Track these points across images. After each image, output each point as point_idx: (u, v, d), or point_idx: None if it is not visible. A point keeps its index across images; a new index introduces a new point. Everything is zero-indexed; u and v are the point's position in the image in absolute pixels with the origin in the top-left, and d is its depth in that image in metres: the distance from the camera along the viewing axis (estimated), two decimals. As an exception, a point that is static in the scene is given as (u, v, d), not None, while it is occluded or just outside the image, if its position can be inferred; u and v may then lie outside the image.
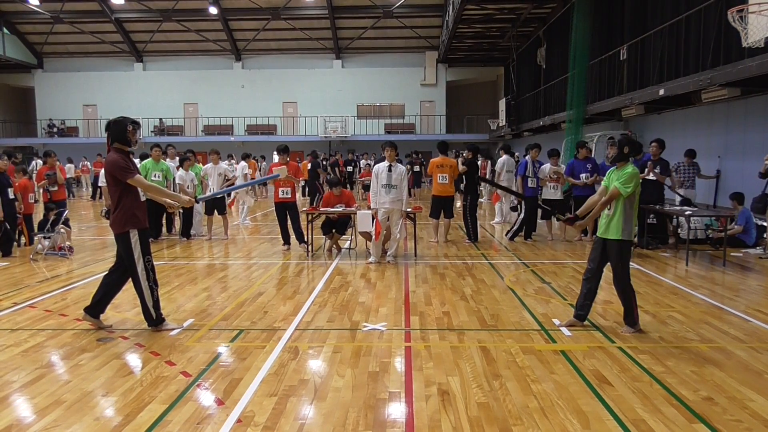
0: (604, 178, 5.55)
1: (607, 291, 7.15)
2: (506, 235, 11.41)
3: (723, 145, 12.04)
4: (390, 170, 8.68)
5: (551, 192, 11.02)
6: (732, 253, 9.22)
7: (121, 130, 5.33)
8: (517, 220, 11.30)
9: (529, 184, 10.97)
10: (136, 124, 5.48)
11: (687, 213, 8.93)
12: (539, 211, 11.29)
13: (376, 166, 8.96)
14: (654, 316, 5.89)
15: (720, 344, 5.01)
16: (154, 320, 5.45)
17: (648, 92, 13.08)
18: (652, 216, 10.16)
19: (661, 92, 12.27)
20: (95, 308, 5.50)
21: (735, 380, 4.21)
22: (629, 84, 14.79)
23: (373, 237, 8.79)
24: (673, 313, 6.01)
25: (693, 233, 9.58)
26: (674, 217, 9.93)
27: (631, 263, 8.55)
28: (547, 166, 11.03)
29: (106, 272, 5.64)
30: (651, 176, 9.76)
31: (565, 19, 20.02)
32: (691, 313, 6.03)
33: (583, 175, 10.82)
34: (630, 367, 4.47)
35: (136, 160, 11.48)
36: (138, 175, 5.34)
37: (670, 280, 7.64)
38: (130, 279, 5.44)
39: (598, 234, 5.49)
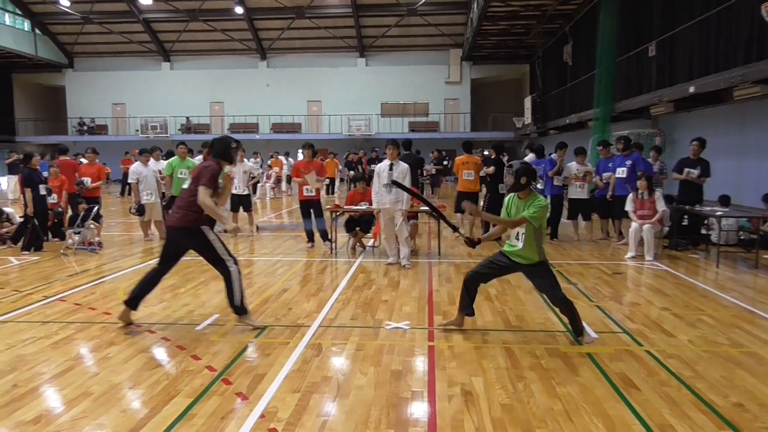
0: (504, 209, 5.26)
1: (634, 293, 7.06)
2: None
3: (755, 144, 11.76)
4: (391, 169, 8.54)
5: (577, 191, 10.86)
6: (765, 255, 8.99)
7: (224, 148, 5.51)
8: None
9: (555, 183, 10.85)
10: (238, 143, 5.66)
11: (718, 214, 8.75)
12: (564, 212, 11.17)
13: (378, 165, 8.83)
14: (683, 319, 5.78)
15: (751, 349, 4.89)
16: (240, 308, 5.48)
17: (677, 89, 12.84)
18: (685, 217, 9.97)
19: (691, 90, 12.04)
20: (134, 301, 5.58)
21: (767, 386, 4.11)
22: (658, 81, 14.53)
23: (381, 237, 8.71)
24: (702, 317, 5.88)
25: (725, 235, 9.36)
26: (706, 218, 9.74)
27: (659, 264, 8.50)
28: (573, 165, 10.89)
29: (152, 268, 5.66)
30: (686, 177, 9.61)
31: (591, 15, 19.76)
32: (722, 316, 5.90)
33: (605, 174, 10.67)
34: (658, 371, 4.39)
35: (162, 161, 11.73)
36: (209, 191, 5.27)
37: (700, 282, 7.49)
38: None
39: (511, 258, 5.17)
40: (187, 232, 5.37)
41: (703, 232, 10.02)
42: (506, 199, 5.27)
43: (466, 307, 5.36)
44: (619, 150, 10.59)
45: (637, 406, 3.78)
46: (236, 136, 33.66)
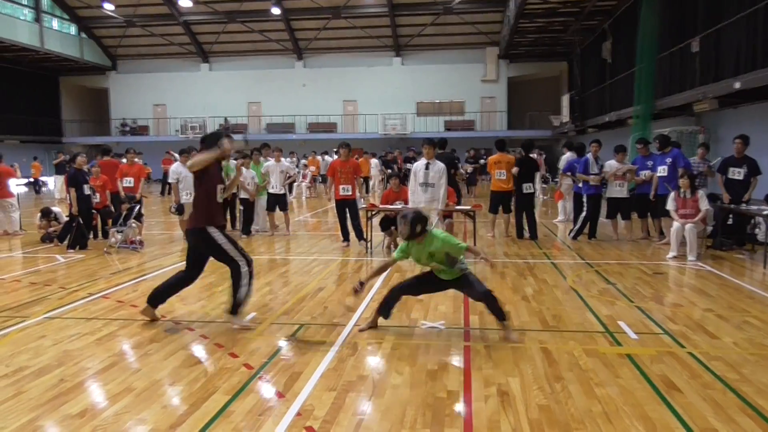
0: (398, 251, 5.28)
1: (676, 294, 6.89)
2: (569, 234, 11.14)
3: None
4: (427, 168, 8.49)
5: (617, 190, 10.62)
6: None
7: (215, 140, 5.55)
8: (579, 218, 11.00)
9: (591, 183, 10.66)
10: (230, 136, 5.70)
11: (765, 213, 8.46)
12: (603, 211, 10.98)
13: (415, 164, 8.82)
14: (728, 321, 5.61)
15: (801, 352, 4.72)
16: (236, 307, 5.53)
17: (722, 86, 12.47)
18: (730, 216, 9.68)
19: (737, 85, 11.68)
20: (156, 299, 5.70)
21: (818, 391, 3.96)
22: (702, 77, 14.12)
23: None
24: (748, 318, 5.70)
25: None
26: (752, 217, 9.43)
27: (702, 264, 8.27)
28: (612, 163, 10.66)
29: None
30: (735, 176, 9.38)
31: (632, 11, 19.34)
32: (769, 318, 5.70)
33: (642, 173, 10.45)
34: (701, 374, 4.27)
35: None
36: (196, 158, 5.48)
37: (746, 283, 7.26)
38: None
39: (439, 276, 5.25)
40: (196, 233, 5.45)
41: (752, 232, 9.70)
42: (403, 245, 5.26)
43: (384, 311, 5.42)
44: (658, 149, 10.38)
45: (680, 409, 3.68)
46: (273, 137, 34.05)
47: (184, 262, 5.68)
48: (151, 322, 5.63)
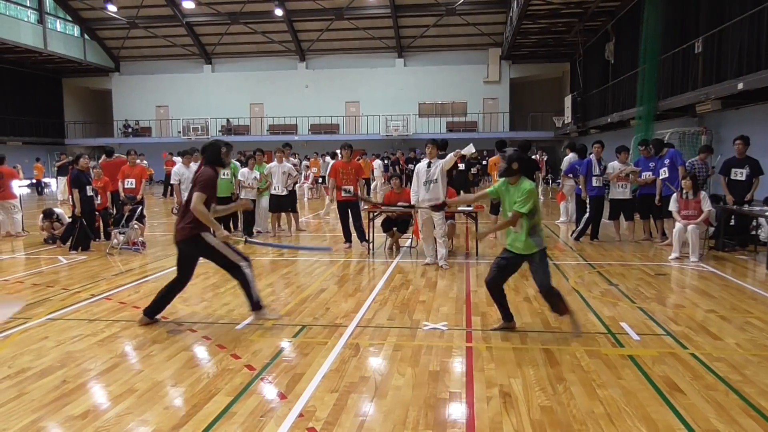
0: (492, 187, 5.40)
1: (678, 295, 6.87)
2: (571, 235, 11.13)
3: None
4: (429, 166, 8.51)
5: (620, 192, 10.60)
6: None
7: (215, 153, 5.57)
8: (582, 219, 10.99)
9: (594, 183, 10.65)
10: (228, 146, 5.72)
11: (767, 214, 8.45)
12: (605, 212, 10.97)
13: (417, 165, 8.82)
14: (730, 322, 5.60)
15: (804, 353, 4.71)
16: (257, 304, 5.56)
17: (725, 87, 12.45)
18: (732, 217, 9.66)
19: (740, 86, 11.65)
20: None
21: (821, 392, 3.95)
22: (705, 78, 14.10)
23: (420, 236, 8.73)
24: (751, 319, 5.69)
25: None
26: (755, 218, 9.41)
27: (705, 265, 8.26)
28: (615, 164, 10.65)
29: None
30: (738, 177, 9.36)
31: (635, 11, 19.32)
32: (772, 319, 5.69)
33: (645, 174, 10.45)
34: (704, 375, 4.26)
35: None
36: (203, 197, 5.32)
37: (748, 284, 7.24)
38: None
39: (512, 250, 5.25)
40: (190, 242, 5.43)
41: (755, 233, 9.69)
42: (499, 182, 5.34)
43: (503, 313, 5.44)
44: (654, 154, 10.47)
45: (682, 411, 3.68)
46: (275, 138, 34.02)
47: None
48: (153, 324, 5.64)
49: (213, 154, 5.56)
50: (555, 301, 5.17)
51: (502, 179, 5.29)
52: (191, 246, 5.46)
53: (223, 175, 11.02)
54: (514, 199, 5.08)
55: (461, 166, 16.87)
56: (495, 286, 5.36)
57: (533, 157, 11.39)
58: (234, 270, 5.50)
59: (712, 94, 13.07)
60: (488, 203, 11.75)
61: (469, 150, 9.03)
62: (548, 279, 5.16)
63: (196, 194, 5.30)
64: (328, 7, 31.57)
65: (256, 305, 5.55)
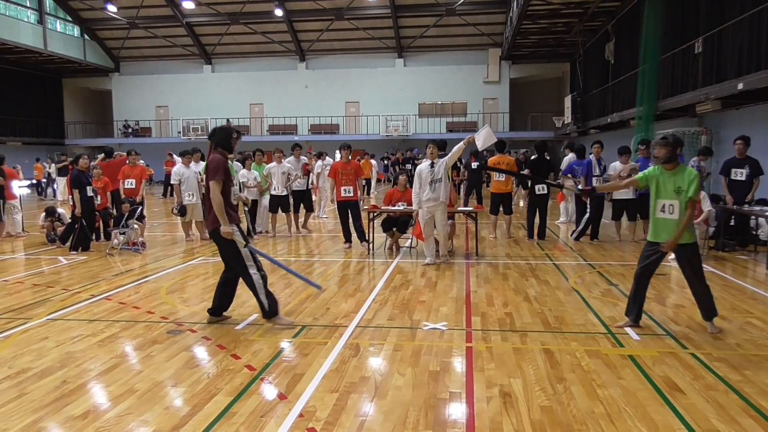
0: (642, 174, 5.36)
1: (678, 295, 6.87)
2: (572, 235, 11.14)
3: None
4: (432, 166, 8.51)
5: (623, 192, 10.56)
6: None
7: (226, 137, 5.58)
8: (582, 219, 10.99)
9: (594, 183, 10.63)
10: (239, 133, 5.72)
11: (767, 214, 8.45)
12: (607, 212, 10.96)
13: (419, 167, 8.82)
14: (730, 322, 5.60)
15: (804, 353, 4.71)
16: (268, 312, 5.55)
17: (725, 87, 12.44)
18: (732, 217, 9.65)
19: (740, 86, 11.65)
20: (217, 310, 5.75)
21: (821, 392, 3.95)
22: (705, 78, 14.10)
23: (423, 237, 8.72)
24: (751, 319, 5.69)
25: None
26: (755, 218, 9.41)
27: (705, 266, 8.22)
28: (617, 165, 10.64)
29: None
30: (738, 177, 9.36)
31: (635, 12, 19.32)
32: (772, 319, 5.69)
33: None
34: (704, 375, 4.26)
35: (201, 162, 11.95)
36: (219, 184, 5.38)
37: (748, 284, 7.25)
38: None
39: (657, 241, 5.23)
40: (216, 233, 5.46)
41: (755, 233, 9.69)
42: (651, 169, 5.27)
43: (634, 308, 5.41)
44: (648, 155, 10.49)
45: (683, 411, 3.68)
46: (275, 138, 34.00)
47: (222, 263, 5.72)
48: (153, 325, 5.64)
49: (223, 138, 5.56)
50: (707, 299, 5.18)
51: (655, 167, 5.18)
52: (216, 236, 5.49)
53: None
54: (678, 185, 5.00)
55: (474, 165, 16.92)
56: (648, 274, 5.33)
57: (546, 158, 11.28)
58: (242, 271, 5.51)
59: (712, 94, 13.07)
60: (488, 203, 11.74)
61: (486, 136, 8.47)
62: (702, 273, 5.15)
63: (211, 183, 5.35)
64: (328, 7, 31.57)
65: (266, 313, 5.53)
